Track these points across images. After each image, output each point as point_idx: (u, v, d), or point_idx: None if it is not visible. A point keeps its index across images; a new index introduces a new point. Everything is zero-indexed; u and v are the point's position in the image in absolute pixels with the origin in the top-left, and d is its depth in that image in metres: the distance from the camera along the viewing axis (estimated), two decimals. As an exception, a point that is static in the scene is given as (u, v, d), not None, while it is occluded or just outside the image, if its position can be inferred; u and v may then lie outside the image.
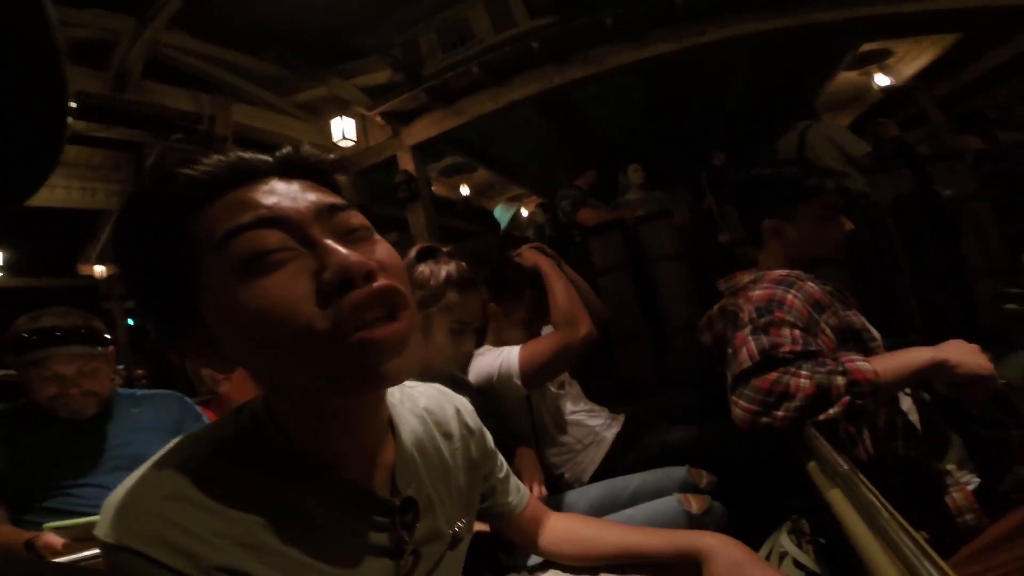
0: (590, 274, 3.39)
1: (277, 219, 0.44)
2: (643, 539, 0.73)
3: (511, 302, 1.50)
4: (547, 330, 1.61)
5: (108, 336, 1.37)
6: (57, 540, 1.04)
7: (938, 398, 1.04)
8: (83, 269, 6.80)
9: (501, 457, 0.78)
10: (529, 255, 1.49)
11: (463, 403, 0.72)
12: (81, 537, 1.03)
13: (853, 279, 2.81)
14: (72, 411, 1.28)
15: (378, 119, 4.40)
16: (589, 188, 3.81)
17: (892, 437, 0.99)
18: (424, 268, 1.17)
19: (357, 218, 0.48)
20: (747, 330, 0.97)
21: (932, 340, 0.93)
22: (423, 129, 4.37)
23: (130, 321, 6.91)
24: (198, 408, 1.54)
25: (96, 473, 1.28)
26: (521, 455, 1.19)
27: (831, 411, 0.86)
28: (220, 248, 0.43)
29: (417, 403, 0.65)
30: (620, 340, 3.26)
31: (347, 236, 0.46)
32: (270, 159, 0.47)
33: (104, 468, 1.29)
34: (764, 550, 0.87)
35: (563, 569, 0.77)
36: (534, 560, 0.84)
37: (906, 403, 1.06)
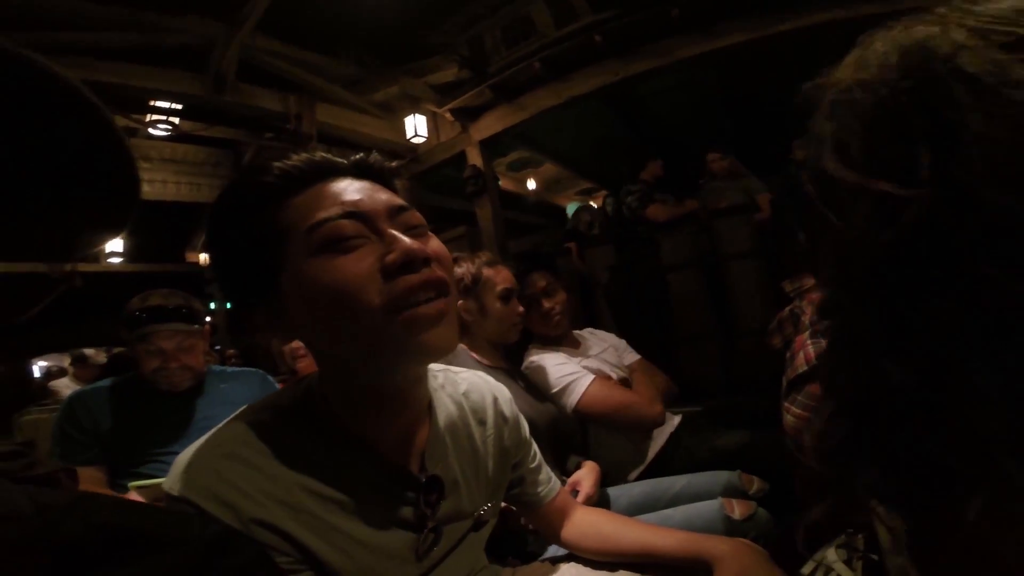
0: (658, 271, 3.31)
1: (357, 213, 0.52)
2: (660, 539, 0.74)
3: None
4: (584, 334, 1.63)
5: (205, 316, 1.51)
6: (137, 500, 1.13)
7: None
8: (190, 256, 7.58)
9: (535, 447, 0.80)
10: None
11: (502, 392, 0.75)
12: (160, 497, 1.12)
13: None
14: (170, 384, 1.41)
15: (447, 116, 4.52)
16: (655, 181, 3.69)
17: None
18: (457, 269, 1.32)
19: (416, 217, 0.56)
20: (807, 334, 0.93)
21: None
22: (489, 125, 4.42)
23: (228, 305, 7.62)
24: (277, 385, 1.68)
25: (183, 441, 1.37)
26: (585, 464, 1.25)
27: None
28: (309, 232, 0.51)
29: (458, 388, 0.69)
30: (686, 339, 3.16)
31: (409, 231, 0.54)
32: (345, 161, 0.56)
33: (191, 438, 1.37)
34: (811, 564, 0.82)
35: (582, 563, 0.79)
36: (558, 551, 0.86)
37: None
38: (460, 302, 1.28)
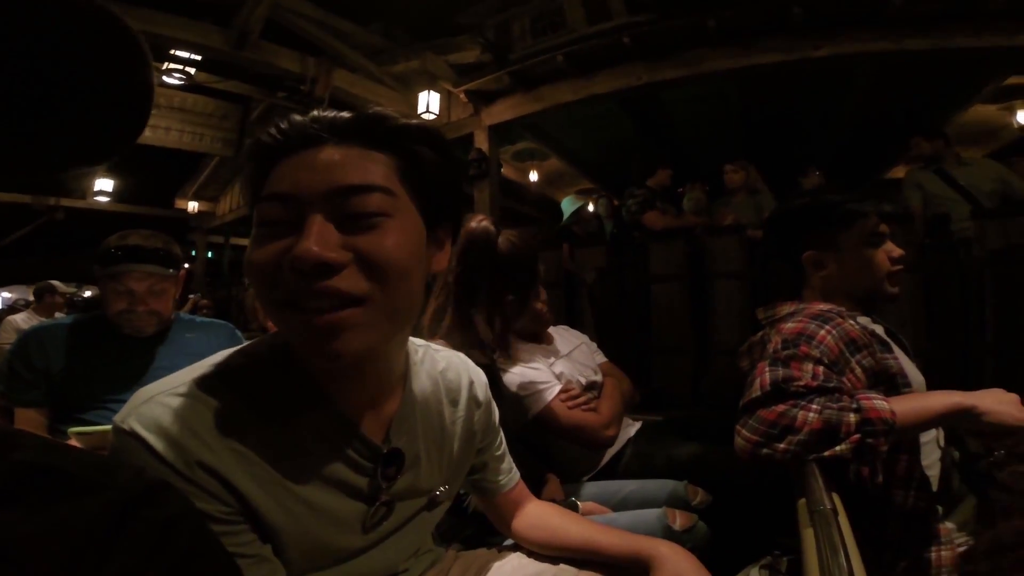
0: (645, 279, 3.33)
1: (286, 196, 0.48)
2: (604, 537, 0.75)
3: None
4: (558, 330, 1.64)
5: (181, 261, 1.44)
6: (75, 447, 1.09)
7: (967, 457, 0.96)
8: (179, 203, 7.56)
9: (502, 436, 0.79)
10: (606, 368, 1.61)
11: (478, 375, 0.74)
12: (99, 446, 1.03)
13: (929, 327, 2.58)
14: (134, 328, 1.35)
15: (462, 96, 4.50)
16: (660, 190, 3.69)
17: (906, 486, 0.93)
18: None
19: (375, 203, 0.49)
20: (767, 361, 0.95)
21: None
22: (501, 111, 4.43)
23: (209, 254, 7.62)
24: (244, 341, 1.65)
25: (135, 389, 1.32)
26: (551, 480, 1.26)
27: (838, 448, 0.83)
28: (257, 206, 0.51)
29: (436, 366, 0.68)
30: (661, 350, 3.19)
31: (350, 220, 0.48)
32: (325, 133, 0.50)
33: (144, 385, 1.36)
34: (736, 579, 0.84)
35: (526, 553, 0.79)
36: (506, 540, 0.86)
37: (930, 457, 0.99)
38: (510, 298, 1.20)
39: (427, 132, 0.54)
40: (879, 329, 1.10)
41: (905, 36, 3.31)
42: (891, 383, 0.98)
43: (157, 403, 0.48)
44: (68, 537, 0.30)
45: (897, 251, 1.09)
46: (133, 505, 0.33)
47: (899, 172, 5.41)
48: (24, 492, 0.30)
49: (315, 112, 0.51)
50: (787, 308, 1.13)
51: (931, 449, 0.99)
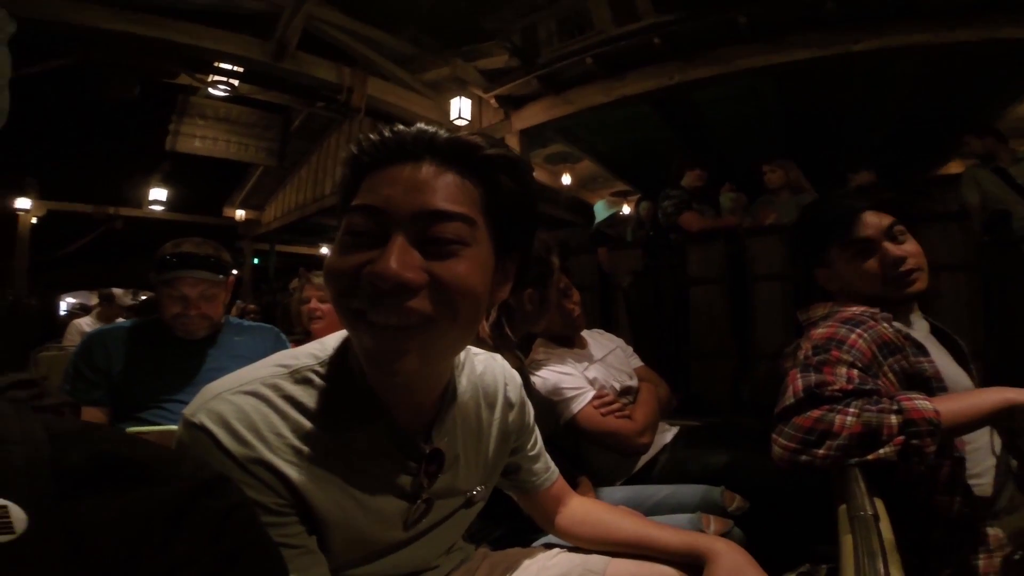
0: (683, 282, 3.26)
1: (375, 210, 0.50)
2: (658, 532, 0.75)
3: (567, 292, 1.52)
4: (592, 335, 1.62)
5: (231, 268, 1.53)
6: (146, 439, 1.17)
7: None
8: (227, 211, 7.92)
9: (537, 434, 0.81)
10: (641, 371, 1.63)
11: (512, 376, 0.76)
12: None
13: (988, 328, 2.44)
14: (187, 331, 1.44)
15: (492, 101, 4.54)
16: (693, 190, 3.61)
17: (951, 492, 0.90)
18: None
19: (457, 231, 0.50)
20: (799, 368, 0.93)
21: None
22: (532, 115, 4.44)
23: (256, 260, 7.95)
24: (289, 344, 1.73)
25: (188, 390, 1.40)
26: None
27: (882, 452, 0.80)
28: (345, 213, 0.53)
29: (475, 369, 0.70)
30: (701, 355, 3.12)
31: (431, 244, 0.50)
32: (420, 149, 0.51)
33: (197, 386, 1.38)
34: (774, 588, 0.82)
35: (555, 553, 0.78)
36: (537, 542, 0.87)
37: (982, 464, 0.94)
38: (529, 290, 1.22)
39: (512, 162, 0.55)
40: (920, 332, 1.06)
41: (948, 28, 3.14)
42: (925, 387, 0.94)
43: (224, 400, 0.51)
44: (136, 522, 0.33)
45: (893, 253, 1.01)
46: (195, 495, 0.36)
47: (957, 167, 5.14)
48: (101, 480, 0.33)
49: (420, 125, 0.52)
50: (821, 310, 1.11)
51: (983, 456, 0.95)
